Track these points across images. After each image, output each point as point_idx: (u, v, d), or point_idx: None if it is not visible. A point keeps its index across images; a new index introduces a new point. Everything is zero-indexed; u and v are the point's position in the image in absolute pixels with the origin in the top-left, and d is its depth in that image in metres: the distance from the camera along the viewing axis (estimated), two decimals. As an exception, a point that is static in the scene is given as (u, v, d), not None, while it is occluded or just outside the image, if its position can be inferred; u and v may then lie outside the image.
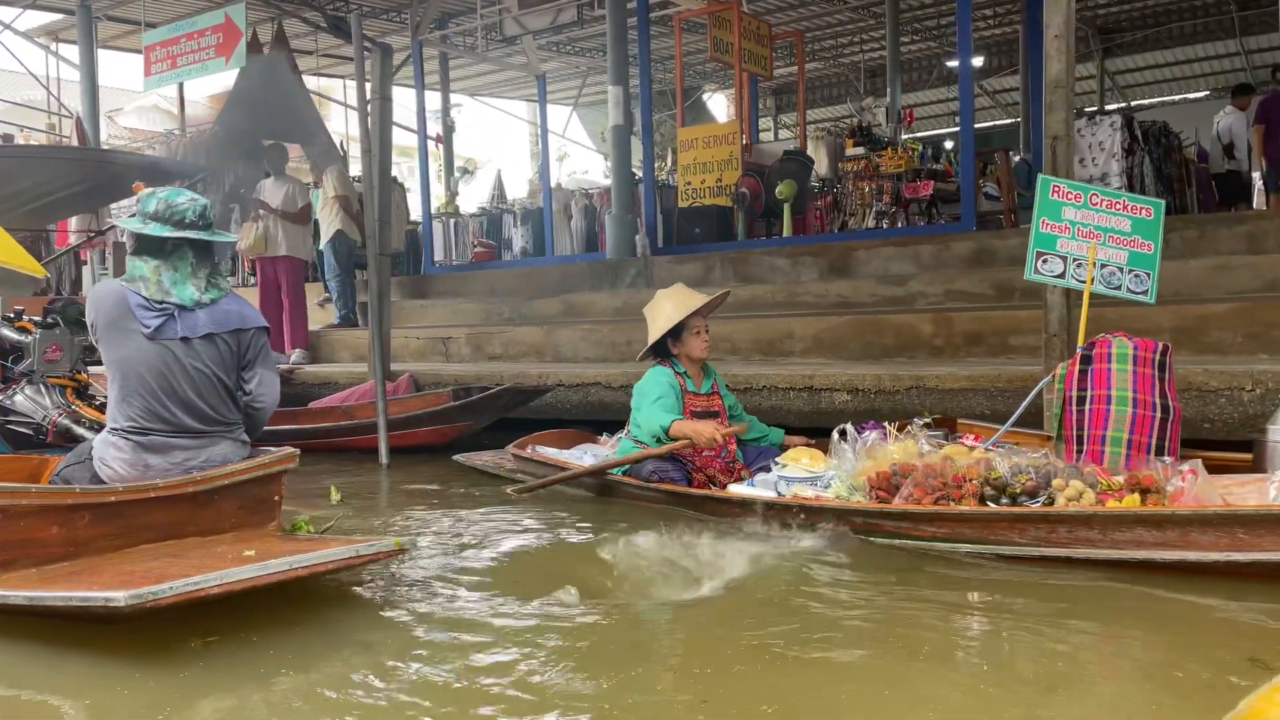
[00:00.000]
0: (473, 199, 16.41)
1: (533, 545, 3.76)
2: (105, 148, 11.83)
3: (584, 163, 21.00)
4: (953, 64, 15.63)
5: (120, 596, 2.40)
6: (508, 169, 17.79)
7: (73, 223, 9.66)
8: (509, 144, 23.78)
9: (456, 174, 15.00)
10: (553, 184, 12.74)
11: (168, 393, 3.25)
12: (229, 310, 3.38)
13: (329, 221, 9.25)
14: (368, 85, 7.44)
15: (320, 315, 9.98)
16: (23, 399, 6.19)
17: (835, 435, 3.85)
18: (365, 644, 2.68)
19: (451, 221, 13.01)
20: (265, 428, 3.62)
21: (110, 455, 3.27)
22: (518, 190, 16.71)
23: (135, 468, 3.25)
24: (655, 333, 4.47)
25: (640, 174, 10.09)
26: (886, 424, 3.78)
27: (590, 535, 3.83)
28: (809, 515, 3.57)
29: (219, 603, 2.68)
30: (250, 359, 3.46)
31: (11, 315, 6.96)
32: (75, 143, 11.35)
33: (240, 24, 10.40)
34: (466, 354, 8.52)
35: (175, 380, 3.26)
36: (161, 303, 3.28)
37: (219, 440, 3.34)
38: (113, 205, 9.85)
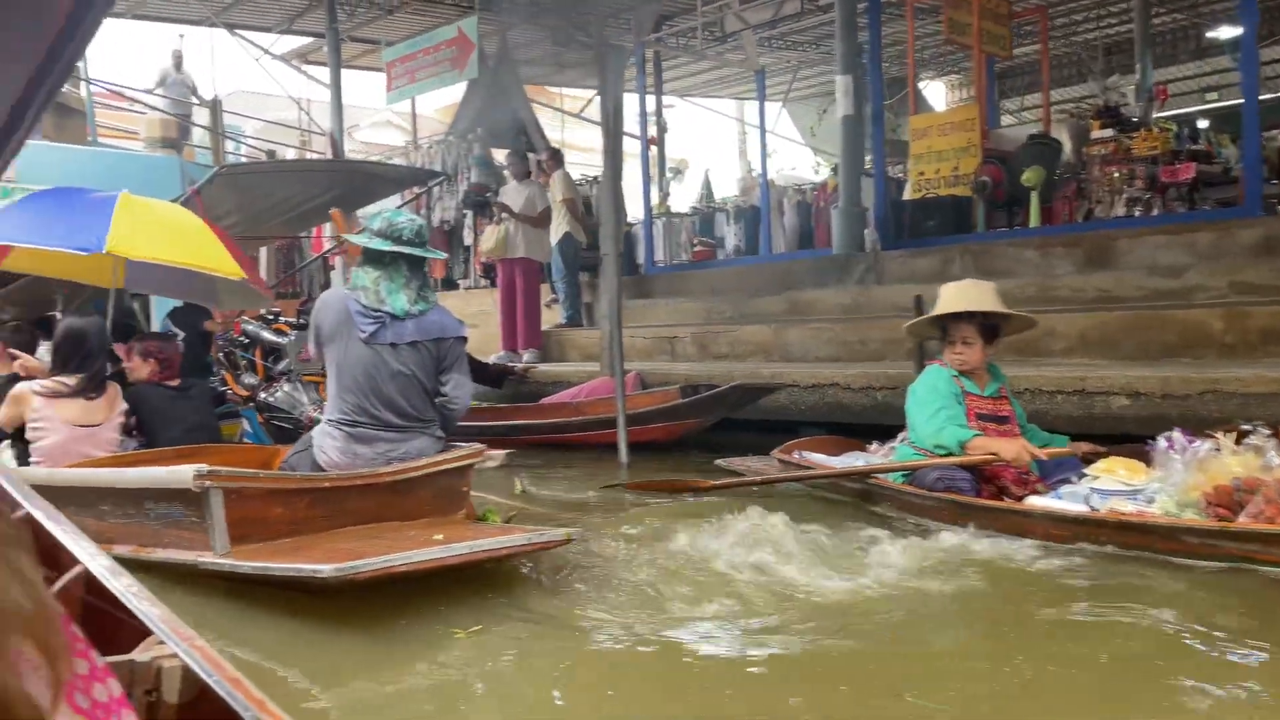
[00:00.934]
0: (683, 199, 16.44)
1: (787, 545, 3.52)
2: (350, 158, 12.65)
3: (791, 159, 20.65)
4: (1215, 34, 14.17)
5: (326, 570, 2.70)
6: (715, 168, 17.74)
7: (326, 229, 10.37)
8: (715, 143, 23.76)
9: (668, 174, 15.06)
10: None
11: (375, 391, 3.64)
12: (433, 321, 3.78)
13: (557, 224, 9.44)
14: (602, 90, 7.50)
15: (546, 316, 10.23)
16: (282, 395, 6.64)
17: (1160, 443, 3.42)
18: (550, 621, 2.87)
19: (665, 222, 13.05)
20: (502, 421, 4.43)
21: (327, 444, 3.68)
22: (725, 189, 16.61)
23: (346, 455, 3.64)
24: (921, 320, 4.20)
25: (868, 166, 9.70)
26: (1219, 433, 3.30)
27: (859, 545, 3.58)
28: (1131, 533, 3.18)
29: (415, 579, 2.94)
30: (448, 365, 3.83)
31: (270, 317, 7.50)
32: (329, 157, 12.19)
33: (473, 37, 10.83)
34: (692, 353, 8.45)
35: (382, 380, 3.65)
36: (377, 310, 3.68)
37: (417, 435, 3.71)
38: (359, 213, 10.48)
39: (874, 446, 4.95)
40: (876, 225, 8.90)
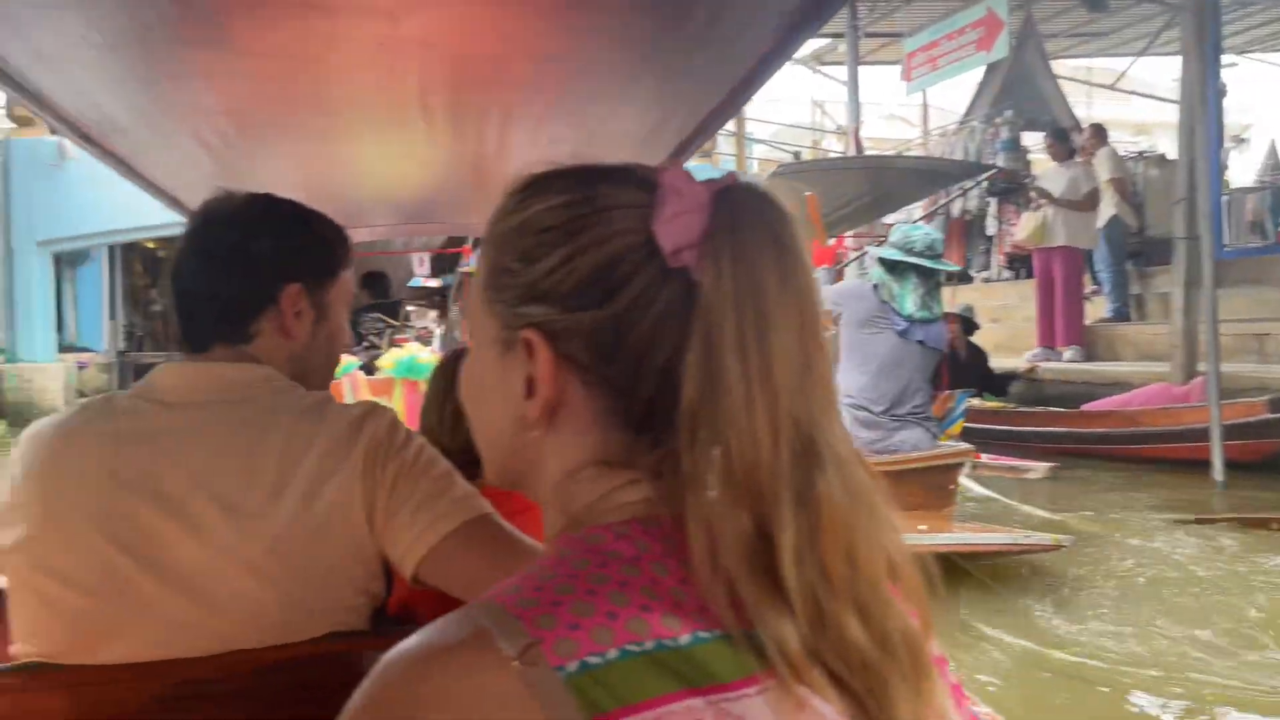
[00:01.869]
0: (1245, 171, 14.04)
1: None
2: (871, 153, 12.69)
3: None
4: None
5: None
6: (1284, 132, 14.88)
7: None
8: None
9: (1228, 144, 12.95)
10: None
11: (884, 380, 3.96)
12: (936, 330, 4.11)
13: (1104, 207, 8.55)
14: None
15: (1087, 309, 9.33)
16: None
17: None
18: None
19: (1227, 199, 11.21)
20: (1027, 428, 4.44)
21: None
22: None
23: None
24: None
25: None
26: None
27: None
28: None
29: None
30: (929, 376, 4.16)
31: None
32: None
33: (1002, 14, 10.21)
34: (1286, 353, 7.11)
35: (902, 371, 3.98)
36: (890, 308, 4.03)
37: (913, 427, 3.97)
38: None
39: None
40: None
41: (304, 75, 1.38)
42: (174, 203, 2.17)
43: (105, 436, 1.07)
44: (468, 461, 1.29)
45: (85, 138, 1.60)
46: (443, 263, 11.79)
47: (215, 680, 1.02)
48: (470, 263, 10.10)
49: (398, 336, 10.55)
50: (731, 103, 1.51)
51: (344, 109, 1.60)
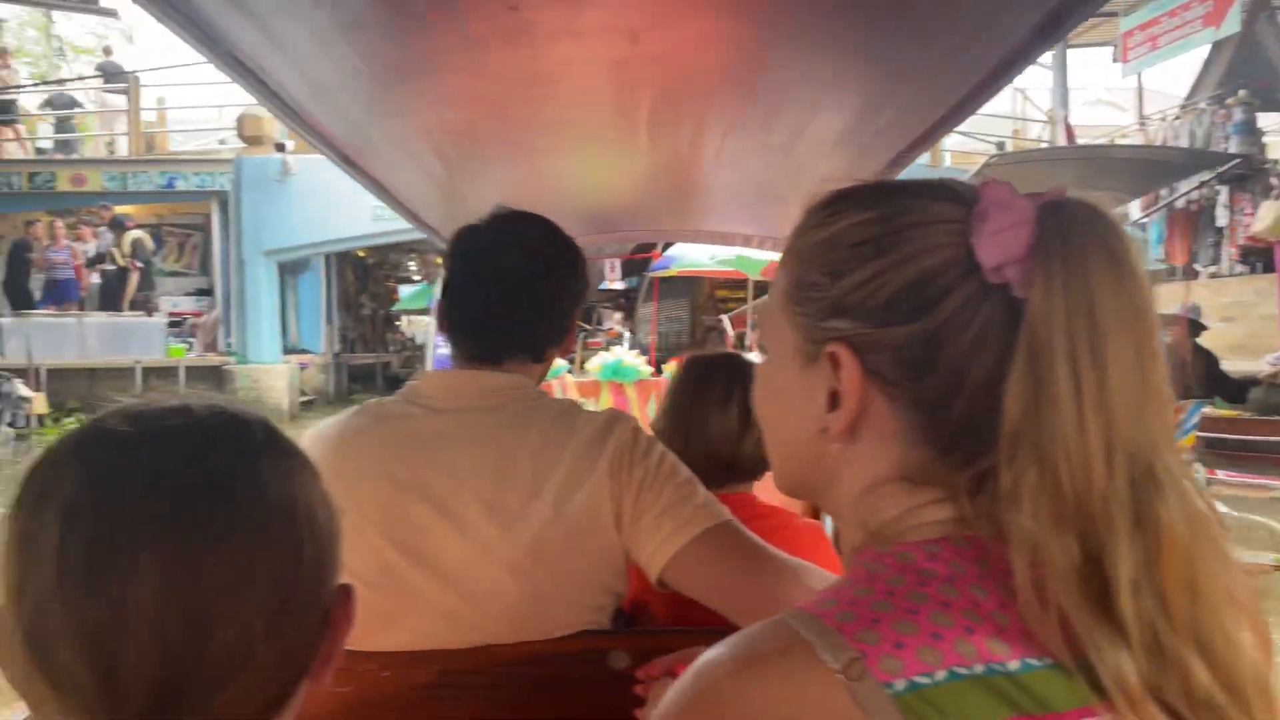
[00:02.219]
0: None
1: None
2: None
3: None
4: None
5: None
6: None
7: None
8: None
9: None
10: None
11: None
12: None
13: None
14: None
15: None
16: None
17: None
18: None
19: None
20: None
21: None
22: None
23: None
24: None
25: None
26: None
27: None
28: None
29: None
30: None
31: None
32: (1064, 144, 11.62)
33: (1238, -17, 9.32)
34: None
35: None
36: None
37: None
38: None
39: None
40: None
41: (537, 95, 1.45)
42: (413, 216, 2.29)
43: (382, 440, 1.16)
44: (709, 466, 1.34)
45: (345, 160, 1.71)
46: (630, 266, 11.94)
47: (471, 671, 1.08)
48: (656, 267, 10.21)
49: (590, 340, 10.78)
50: (959, 111, 1.44)
51: (569, 125, 1.65)
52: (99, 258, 13.29)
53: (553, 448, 1.13)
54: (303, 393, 14.63)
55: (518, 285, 1.22)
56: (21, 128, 14.99)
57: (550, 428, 1.15)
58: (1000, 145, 12.92)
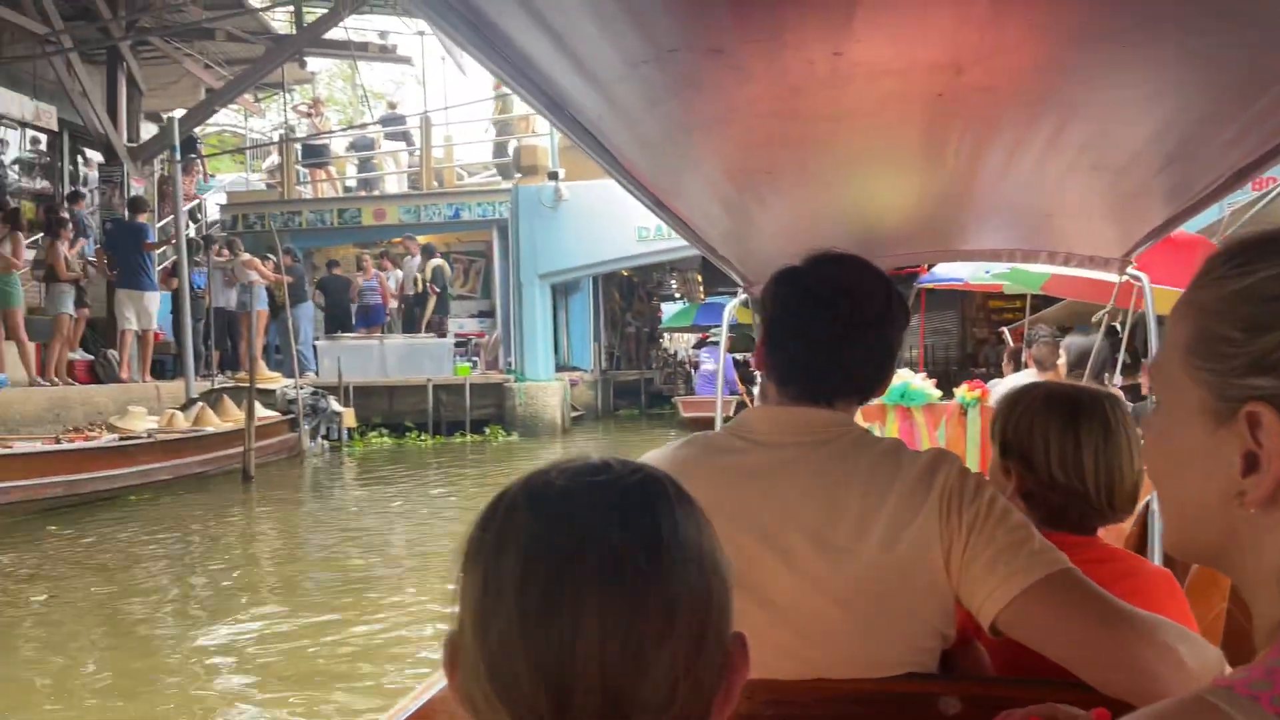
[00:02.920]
0: None
1: None
2: None
3: None
4: None
5: None
6: None
7: None
8: None
9: None
10: None
11: None
12: None
13: None
14: None
15: None
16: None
17: None
18: None
19: None
20: None
21: None
22: None
23: None
24: None
25: None
26: None
27: None
28: None
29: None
30: None
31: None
32: None
33: None
34: None
35: None
36: None
37: None
38: None
39: None
40: None
41: (846, 130, 1.49)
42: (710, 250, 2.38)
43: (711, 473, 1.19)
44: (1040, 505, 1.33)
45: (656, 202, 1.85)
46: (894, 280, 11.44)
47: (800, 703, 1.10)
48: (924, 280, 9.72)
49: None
50: None
51: (872, 154, 1.69)
52: (405, 284, 14.68)
53: (880, 485, 1.14)
54: (573, 408, 15.32)
55: (852, 329, 1.22)
56: (333, 169, 16.87)
57: (877, 465, 1.16)
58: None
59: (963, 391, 4.36)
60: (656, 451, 1.27)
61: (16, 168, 13.03)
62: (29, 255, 10.30)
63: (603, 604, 0.54)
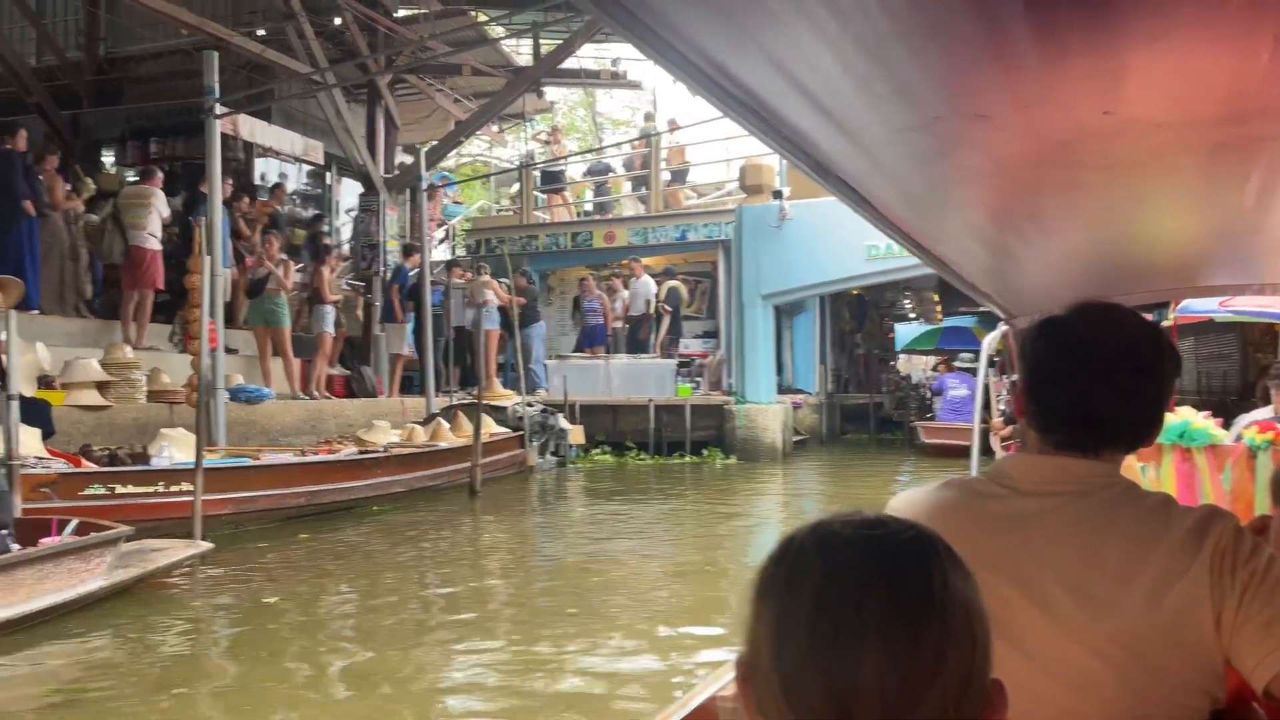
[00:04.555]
0: None
1: None
2: None
3: None
4: None
5: None
6: None
7: None
8: None
9: None
10: None
11: None
12: None
13: None
14: None
15: None
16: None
17: None
18: None
19: None
20: None
21: None
22: None
23: None
24: None
25: None
26: None
27: None
28: None
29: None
30: None
31: None
32: None
33: None
34: None
35: None
36: None
37: None
38: None
39: None
40: None
41: (1119, 178, 1.48)
42: (970, 286, 2.43)
43: (971, 517, 1.20)
44: None
45: (913, 243, 1.94)
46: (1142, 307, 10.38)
47: None
48: (1186, 309, 8.67)
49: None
50: None
51: (1144, 198, 1.66)
52: (631, 304, 14.91)
53: (1146, 540, 1.12)
54: (796, 432, 14.90)
55: (1124, 380, 1.21)
56: (569, 194, 17.45)
57: (1144, 519, 1.14)
58: None
59: (1252, 433, 3.70)
60: (915, 490, 1.29)
61: (297, 199, 14.40)
62: (296, 278, 11.28)
63: (884, 642, 0.61)
